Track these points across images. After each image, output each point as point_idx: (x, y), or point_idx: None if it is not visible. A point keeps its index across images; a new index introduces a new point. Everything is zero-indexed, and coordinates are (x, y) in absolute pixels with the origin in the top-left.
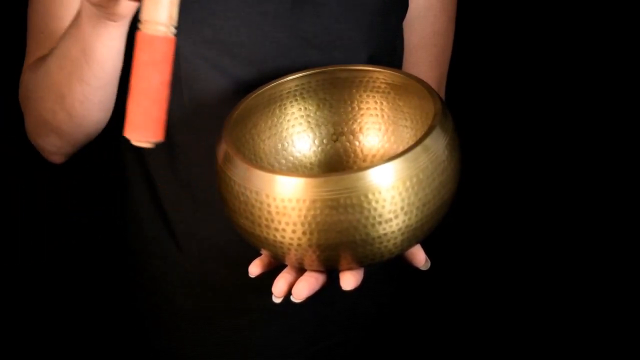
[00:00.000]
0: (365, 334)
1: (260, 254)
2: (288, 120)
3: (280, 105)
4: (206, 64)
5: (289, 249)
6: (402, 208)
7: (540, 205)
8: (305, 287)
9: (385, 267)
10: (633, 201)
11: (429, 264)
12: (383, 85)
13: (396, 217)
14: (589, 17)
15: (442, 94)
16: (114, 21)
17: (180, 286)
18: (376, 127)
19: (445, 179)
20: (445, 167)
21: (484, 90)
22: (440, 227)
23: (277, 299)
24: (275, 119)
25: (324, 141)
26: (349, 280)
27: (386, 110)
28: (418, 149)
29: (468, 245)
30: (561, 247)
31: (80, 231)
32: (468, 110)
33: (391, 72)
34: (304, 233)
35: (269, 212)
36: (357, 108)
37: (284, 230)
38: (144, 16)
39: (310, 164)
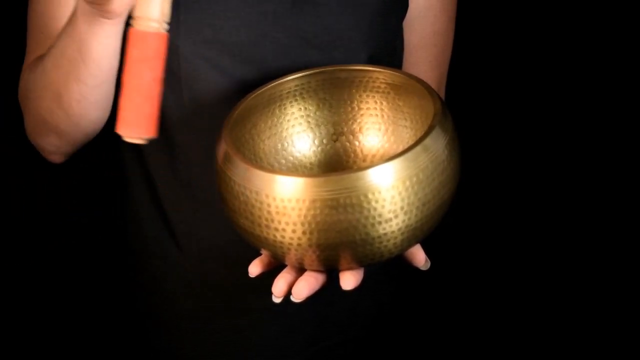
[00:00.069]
0: (365, 334)
1: (260, 254)
2: (288, 120)
3: (280, 105)
4: (206, 64)
5: (288, 249)
6: (402, 208)
7: (540, 205)
8: (305, 287)
9: (385, 267)
10: (633, 201)
11: (428, 264)
12: (383, 85)
13: (396, 216)
14: (589, 17)
15: (442, 94)
16: (109, 19)
17: (180, 286)
18: (376, 127)
19: (445, 178)
20: (445, 167)
21: (484, 90)
22: (440, 227)
23: (277, 298)
24: (275, 119)
25: (324, 141)
26: (349, 280)
27: (386, 110)
28: (418, 148)
29: (468, 245)
30: (561, 247)
31: (80, 231)
32: (468, 110)
33: (391, 72)
34: (303, 233)
35: (269, 212)
36: (357, 108)
37: (283, 230)
38: (136, 12)
39: (310, 164)
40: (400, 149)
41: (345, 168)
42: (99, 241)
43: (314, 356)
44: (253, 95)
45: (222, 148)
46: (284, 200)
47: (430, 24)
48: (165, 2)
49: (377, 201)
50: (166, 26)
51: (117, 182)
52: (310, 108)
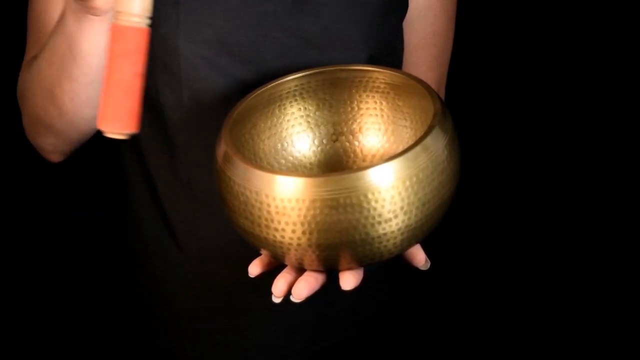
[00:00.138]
0: (365, 334)
1: (260, 254)
2: (288, 120)
3: (280, 105)
4: (206, 64)
5: (288, 249)
6: (401, 208)
7: (540, 205)
8: (305, 287)
9: (385, 267)
10: (633, 201)
11: (428, 264)
12: (383, 85)
13: (396, 216)
14: (589, 17)
15: (442, 94)
16: (96, 15)
17: (180, 286)
18: (376, 127)
19: (445, 178)
20: (444, 167)
21: (484, 90)
22: (440, 227)
23: (276, 298)
24: (275, 119)
25: (324, 141)
26: (349, 280)
27: (386, 110)
28: (418, 148)
29: (468, 245)
30: (561, 247)
31: (80, 231)
32: (468, 110)
33: (391, 72)
34: (303, 233)
35: (269, 212)
36: (356, 108)
37: (283, 230)
38: (117, 7)
39: (310, 164)
40: (400, 149)
41: (345, 168)
42: (99, 241)
43: (314, 356)
44: (253, 95)
45: (222, 148)
46: (283, 200)
47: (430, 24)
48: None
49: (376, 201)
50: (148, 21)
51: (117, 182)
52: (310, 108)
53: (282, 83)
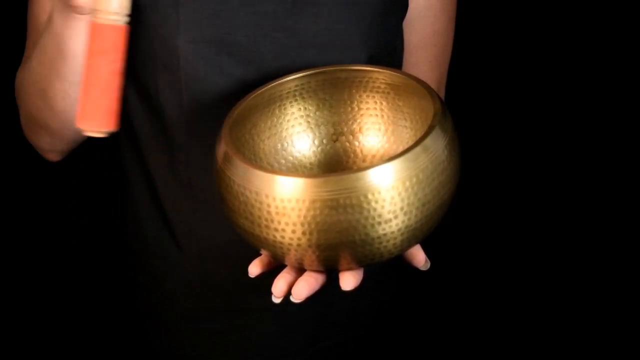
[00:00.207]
0: (365, 334)
1: (260, 254)
2: (288, 121)
3: (280, 105)
4: (206, 64)
5: (288, 249)
6: (401, 208)
7: (540, 205)
8: (305, 287)
9: (385, 267)
10: (633, 201)
11: (428, 264)
12: (383, 86)
13: (396, 217)
14: (589, 17)
15: (442, 94)
16: (81, 14)
17: (180, 286)
18: (376, 127)
19: (445, 179)
20: (445, 167)
21: (484, 90)
22: (440, 227)
23: (276, 299)
24: (275, 119)
25: (324, 141)
26: (349, 281)
27: (386, 110)
28: (418, 149)
29: (468, 245)
30: (561, 247)
31: (80, 231)
32: (468, 110)
33: (391, 72)
34: (303, 233)
35: (269, 212)
36: (356, 108)
37: (283, 230)
38: (96, 6)
39: (310, 164)
40: (400, 149)
41: (345, 168)
42: (99, 241)
43: (314, 356)
44: (253, 95)
45: (222, 148)
46: (283, 200)
47: (430, 24)
48: None
49: (376, 201)
50: (126, 18)
51: (117, 182)
52: (310, 108)
53: (282, 83)
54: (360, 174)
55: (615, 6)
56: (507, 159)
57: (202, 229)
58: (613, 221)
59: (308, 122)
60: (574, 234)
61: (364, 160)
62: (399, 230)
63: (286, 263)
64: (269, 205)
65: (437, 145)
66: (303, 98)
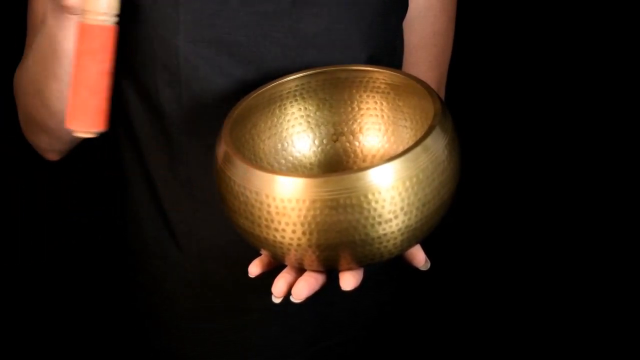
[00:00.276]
0: (366, 334)
1: (260, 254)
2: (288, 121)
3: (280, 105)
4: (206, 64)
5: (288, 249)
6: (401, 208)
7: (540, 205)
8: (305, 287)
9: (385, 267)
10: (633, 201)
11: (428, 264)
12: (383, 86)
13: (396, 217)
14: (589, 17)
15: (442, 94)
16: (73, 14)
17: (180, 286)
18: (376, 127)
19: (445, 179)
20: (445, 167)
21: (484, 90)
22: (440, 227)
23: (276, 299)
24: (275, 119)
25: (324, 141)
26: (349, 281)
27: (386, 110)
28: (418, 149)
29: (468, 246)
30: (561, 247)
31: (80, 231)
32: (468, 110)
33: (391, 72)
34: (303, 233)
35: (269, 212)
36: (357, 108)
37: (283, 230)
38: (85, 6)
39: (310, 164)
40: (401, 149)
41: (345, 168)
42: (99, 241)
43: (314, 356)
44: (253, 95)
45: (222, 148)
46: (284, 200)
47: (430, 24)
48: None
49: (377, 201)
50: (114, 19)
51: (117, 182)
52: (311, 108)
53: (282, 83)
54: (360, 174)
55: (615, 6)
56: (507, 159)
57: (202, 229)
58: (613, 221)
59: (308, 122)
60: (574, 233)
61: (364, 161)
62: (399, 230)
63: (286, 263)
64: (269, 205)
65: (438, 145)
66: (303, 98)
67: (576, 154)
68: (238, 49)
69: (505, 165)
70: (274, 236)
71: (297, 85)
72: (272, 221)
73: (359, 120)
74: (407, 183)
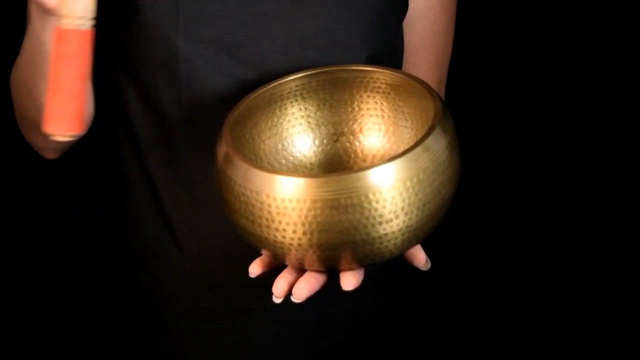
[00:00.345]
0: (366, 334)
1: (260, 254)
2: (288, 121)
3: (280, 106)
4: (205, 64)
5: (289, 249)
6: (402, 208)
7: (541, 205)
8: (306, 287)
9: (386, 268)
10: (633, 201)
11: (429, 264)
12: (383, 86)
13: (397, 217)
14: (589, 17)
15: (442, 94)
16: (55, 15)
17: (180, 286)
18: (376, 127)
19: (446, 179)
20: (445, 167)
21: (484, 90)
22: (440, 227)
23: (277, 299)
24: (276, 119)
25: (324, 141)
26: (350, 281)
27: (386, 110)
28: (418, 149)
29: (468, 246)
30: (561, 247)
31: (80, 231)
32: (468, 111)
33: (391, 72)
34: (304, 233)
35: (270, 212)
36: (357, 108)
37: (284, 230)
38: (62, 11)
39: (311, 164)
40: (401, 149)
41: (345, 168)
42: (99, 241)
43: (314, 356)
44: (254, 95)
45: (223, 148)
46: (284, 200)
47: (430, 24)
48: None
49: (377, 201)
50: (91, 22)
51: (117, 182)
52: (311, 108)
53: (283, 83)
54: (361, 173)
55: (615, 6)
56: (507, 159)
57: (202, 229)
58: (613, 221)
59: (309, 122)
60: (574, 234)
61: (364, 161)
62: (399, 230)
63: (287, 263)
64: (269, 205)
65: (438, 145)
66: (304, 98)
67: (577, 153)
68: (238, 49)
69: (506, 165)
70: (275, 236)
71: (297, 86)
72: (273, 221)
73: (359, 121)
74: (408, 183)
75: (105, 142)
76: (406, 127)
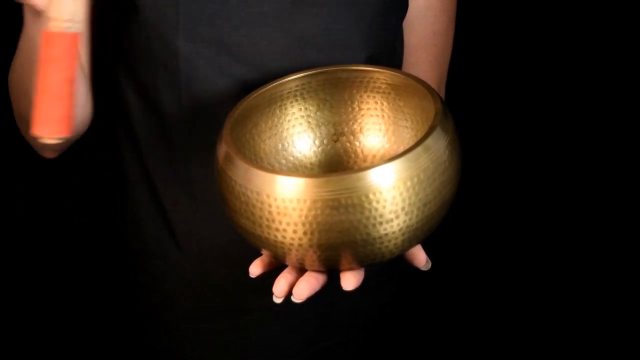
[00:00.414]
0: (366, 334)
1: (260, 254)
2: (288, 121)
3: (280, 106)
4: (205, 64)
5: (289, 249)
6: (402, 208)
7: (541, 205)
8: (306, 287)
9: (386, 268)
10: (633, 201)
11: (429, 265)
12: (383, 86)
13: (397, 217)
14: (589, 17)
15: (442, 94)
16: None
17: (180, 286)
18: (377, 127)
19: (446, 179)
20: (446, 167)
21: (484, 90)
22: (441, 227)
23: (277, 299)
24: (276, 119)
25: (325, 141)
26: (350, 281)
27: (387, 110)
28: (419, 149)
29: (469, 246)
30: (561, 247)
31: (80, 231)
32: (468, 110)
33: (391, 72)
34: (304, 233)
35: (270, 212)
36: (357, 108)
37: (284, 230)
38: (49, 14)
39: (311, 164)
40: (401, 149)
41: (345, 168)
42: (99, 241)
43: (314, 356)
44: (254, 95)
45: (223, 148)
46: (284, 200)
47: (430, 24)
48: (77, 2)
49: (378, 201)
50: (78, 25)
51: (117, 182)
52: (311, 108)
53: (283, 83)
54: (361, 173)
55: (615, 6)
56: (508, 159)
57: (203, 229)
58: (613, 221)
59: (309, 122)
60: (574, 234)
61: (364, 161)
62: (400, 230)
63: (287, 263)
64: (270, 205)
65: (438, 145)
66: (304, 98)
67: (577, 153)
68: (238, 49)
69: (506, 165)
70: (275, 236)
71: (297, 86)
72: (273, 221)
73: (359, 121)
74: (408, 183)
75: (105, 142)
76: (406, 127)
